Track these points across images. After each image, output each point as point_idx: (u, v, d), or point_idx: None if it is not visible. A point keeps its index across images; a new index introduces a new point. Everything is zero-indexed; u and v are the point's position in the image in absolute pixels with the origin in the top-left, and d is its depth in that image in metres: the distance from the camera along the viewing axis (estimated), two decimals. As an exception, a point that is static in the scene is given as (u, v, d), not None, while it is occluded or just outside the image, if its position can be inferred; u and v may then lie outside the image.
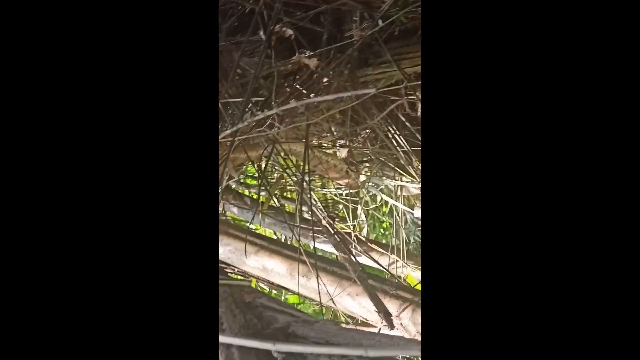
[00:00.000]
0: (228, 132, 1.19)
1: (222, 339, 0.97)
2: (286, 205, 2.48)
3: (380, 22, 1.47)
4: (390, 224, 2.71)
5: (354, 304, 1.45)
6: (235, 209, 2.21)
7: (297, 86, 1.69)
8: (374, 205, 2.49)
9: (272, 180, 2.39)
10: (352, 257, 1.42)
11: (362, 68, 1.71)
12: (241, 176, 2.45)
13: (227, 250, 1.66)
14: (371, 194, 2.38)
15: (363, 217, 2.56)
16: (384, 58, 1.68)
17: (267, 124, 1.53)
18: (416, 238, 2.53)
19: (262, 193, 2.13)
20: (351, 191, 2.35)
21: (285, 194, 2.59)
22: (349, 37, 1.60)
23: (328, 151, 2.19)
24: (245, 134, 1.38)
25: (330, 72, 1.61)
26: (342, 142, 2.28)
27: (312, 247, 1.46)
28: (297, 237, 1.42)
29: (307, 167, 1.53)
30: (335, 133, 2.17)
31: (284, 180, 2.40)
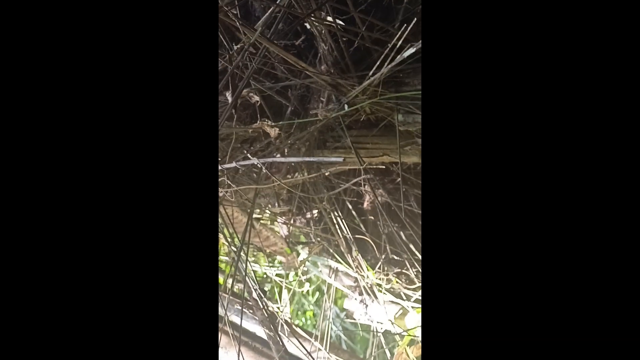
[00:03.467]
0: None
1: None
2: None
3: (346, 106, 1.49)
4: (314, 313, 2.65)
5: (270, 386, 1.38)
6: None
7: (248, 153, 1.68)
8: (304, 289, 2.43)
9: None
10: (278, 336, 1.36)
11: (319, 149, 1.72)
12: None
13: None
14: (305, 277, 2.34)
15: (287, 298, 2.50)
16: (342, 143, 1.70)
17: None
18: (337, 331, 2.48)
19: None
20: (286, 271, 2.29)
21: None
22: (312, 115, 1.61)
23: (270, 226, 2.16)
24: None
25: (288, 145, 1.61)
26: (284, 219, 2.26)
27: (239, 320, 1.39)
28: (225, 306, 1.35)
29: (247, 237, 1.49)
30: (280, 208, 2.15)
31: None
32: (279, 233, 2.28)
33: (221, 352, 1.42)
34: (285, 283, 2.29)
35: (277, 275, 2.35)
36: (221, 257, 2.28)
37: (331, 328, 2.22)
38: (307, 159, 1.41)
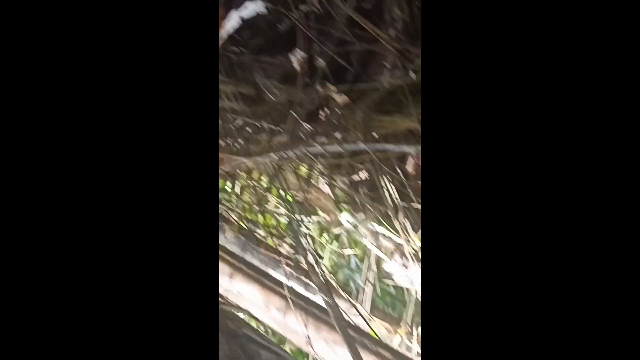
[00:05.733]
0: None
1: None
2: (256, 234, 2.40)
3: (412, 74, 1.46)
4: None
5: (328, 350, 1.40)
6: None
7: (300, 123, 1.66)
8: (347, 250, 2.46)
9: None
10: (335, 302, 1.38)
11: (380, 113, 1.69)
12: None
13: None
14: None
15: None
16: (404, 112, 1.67)
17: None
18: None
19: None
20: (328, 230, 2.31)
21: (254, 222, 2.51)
22: (373, 80, 1.59)
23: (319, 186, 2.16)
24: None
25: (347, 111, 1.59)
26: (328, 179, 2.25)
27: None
28: (286, 272, 1.37)
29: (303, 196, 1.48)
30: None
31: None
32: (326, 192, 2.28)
33: (277, 315, 1.44)
34: (329, 245, 2.32)
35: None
36: (269, 219, 2.30)
37: (374, 290, 2.25)
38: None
